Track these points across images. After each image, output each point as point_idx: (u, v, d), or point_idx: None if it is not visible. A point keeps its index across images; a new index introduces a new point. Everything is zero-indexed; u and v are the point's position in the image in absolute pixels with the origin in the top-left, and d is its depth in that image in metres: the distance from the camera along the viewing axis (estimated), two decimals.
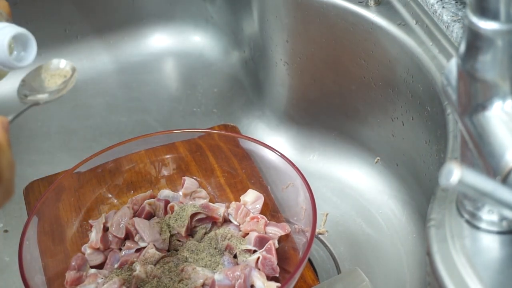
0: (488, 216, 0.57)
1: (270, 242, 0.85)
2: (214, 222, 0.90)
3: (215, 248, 0.87)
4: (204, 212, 0.89)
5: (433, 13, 0.88)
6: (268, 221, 0.88)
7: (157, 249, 0.86)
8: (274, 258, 0.83)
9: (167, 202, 0.92)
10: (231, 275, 0.81)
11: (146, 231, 0.87)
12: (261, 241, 0.85)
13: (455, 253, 0.56)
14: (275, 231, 0.87)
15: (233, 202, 0.92)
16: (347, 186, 1.05)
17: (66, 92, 0.77)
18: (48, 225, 0.86)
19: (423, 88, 0.87)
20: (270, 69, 1.12)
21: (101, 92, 1.22)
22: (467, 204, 0.58)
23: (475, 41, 0.51)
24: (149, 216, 0.91)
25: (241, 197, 0.92)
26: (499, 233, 0.57)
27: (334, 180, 1.06)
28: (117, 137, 1.09)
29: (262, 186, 0.93)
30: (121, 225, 0.88)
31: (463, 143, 0.57)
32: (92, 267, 0.87)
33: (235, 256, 0.86)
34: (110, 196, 0.94)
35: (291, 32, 1.04)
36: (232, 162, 0.95)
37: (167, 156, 0.96)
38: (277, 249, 0.85)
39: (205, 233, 0.89)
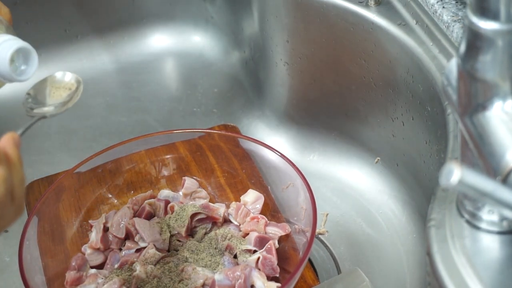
0: (488, 216, 0.57)
1: (270, 242, 0.85)
2: (214, 222, 0.90)
3: (215, 248, 0.87)
4: (204, 212, 0.89)
5: (433, 13, 0.88)
6: (268, 221, 0.88)
7: (157, 249, 0.86)
8: (274, 258, 0.83)
9: (167, 202, 0.92)
10: (231, 275, 0.81)
11: (146, 231, 0.87)
12: (261, 241, 0.85)
13: (455, 253, 0.56)
14: (275, 231, 0.87)
15: (233, 202, 0.92)
16: (347, 186, 1.05)
17: (72, 105, 0.77)
18: (48, 225, 0.86)
19: (423, 88, 0.87)
20: (270, 69, 1.12)
21: (101, 92, 1.22)
22: (467, 204, 0.58)
23: (475, 41, 0.51)
24: (149, 216, 0.91)
25: (241, 197, 0.92)
26: (499, 233, 0.57)
27: (334, 180, 1.06)
28: (117, 137, 1.09)
29: (262, 186, 0.93)
30: (121, 225, 0.88)
31: (463, 143, 0.57)
32: (92, 267, 0.87)
33: (235, 256, 0.86)
34: (110, 196, 0.94)
35: (291, 32, 1.04)
36: (232, 162, 0.95)
37: (167, 156, 0.96)
38: (277, 249, 0.85)
39: (205, 233, 0.89)
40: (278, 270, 0.83)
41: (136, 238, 0.88)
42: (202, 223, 0.90)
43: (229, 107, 1.19)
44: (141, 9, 1.26)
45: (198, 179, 0.95)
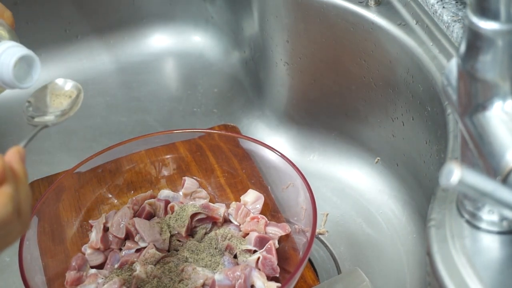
0: (489, 216, 0.57)
1: (270, 242, 0.85)
2: (214, 222, 0.90)
3: (215, 248, 0.87)
4: (204, 212, 0.89)
5: (433, 13, 0.88)
6: (268, 221, 0.88)
7: (157, 249, 0.86)
8: (274, 258, 0.83)
9: (167, 202, 0.92)
10: (231, 275, 0.81)
11: (146, 231, 0.87)
12: (261, 241, 0.85)
13: (455, 253, 0.56)
14: (275, 231, 0.87)
15: (233, 202, 0.92)
16: (347, 186, 1.05)
17: (73, 114, 0.77)
18: (48, 225, 0.86)
19: (423, 88, 0.87)
20: (270, 69, 1.12)
21: (101, 92, 1.22)
22: (467, 204, 0.58)
23: (475, 41, 0.51)
24: (149, 216, 0.91)
25: (241, 197, 0.92)
26: (500, 233, 0.57)
27: (334, 180, 1.06)
28: (117, 137, 1.09)
29: (262, 186, 0.93)
30: (121, 225, 0.88)
31: (463, 143, 0.57)
32: (92, 267, 0.87)
33: (235, 256, 0.86)
34: (110, 196, 0.94)
35: (291, 32, 1.04)
36: (232, 162, 0.95)
37: (167, 156, 0.96)
38: (277, 249, 0.85)
39: (205, 233, 0.89)
40: (278, 270, 0.83)
41: (136, 238, 0.88)
42: (202, 223, 0.90)
43: (229, 107, 1.19)
44: (141, 9, 1.26)
45: (198, 179, 0.95)
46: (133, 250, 0.87)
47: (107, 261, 0.87)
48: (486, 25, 0.51)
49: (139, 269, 0.82)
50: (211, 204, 0.91)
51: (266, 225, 0.88)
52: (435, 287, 0.57)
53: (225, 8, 1.22)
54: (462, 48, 0.53)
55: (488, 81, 0.52)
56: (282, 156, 0.88)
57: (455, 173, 0.48)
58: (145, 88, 1.23)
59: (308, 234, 0.80)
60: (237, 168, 0.95)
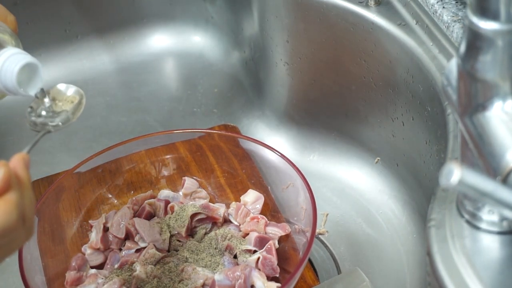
0: (489, 216, 0.57)
1: (270, 242, 0.85)
2: (214, 222, 0.90)
3: (215, 248, 0.87)
4: (204, 212, 0.89)
5: (433, 13, 0.88)
6: (268, 221, 0.88)
7: (157, 249, 0.86)
8: (274, 258, 0.83)
9: (167, 202, 0.92)
10: (231, 275, 0.81)
11: (146, 231, 0.87)
12: (261, 241, 0.85)
13: (455, 253, 0.56)
14: (275, 231, 0.87)
15: (233, 202, 0.92)
16: (347, 186, 1.05)
17: (75, 119, 0.77)
18: (48, 225, 0.86)
19: (423, 88, 0.87)
20: (270, 69, 1.12)
21: (101, 92, 1.22)
22: (467, 204, 0.58)
23: (475, 41, 0.51)
24: (149, 216, 0.91)
25: (241, 197, 0.92)
26: (500, 233, 0.57)
27: (334, 180, 1.06)
28: (117, 137, 1.09)
29: (262, 186, 0.93)
30: (121, 225, 0.88)
31: (463, 143, 0.57)
32: (92, 267, 0.87)
33: (235, 256, 0.86)
34: (110, 196, 0.94)
35: (291, 32, 1.04)
36: (232, 162, 0.95)
37: (167, 156, 0.96)
38: (277, 249, 0.85)
39: (205, 233, 0.89)
40: (278, 270, 0.83)
41: (136, 238, 0.88)
42: (202, 223, 0.90)
43: (229, 107, 1.19)
44: (141, 9, 1.26)
45: (198, 179, 0.95)
46: (133, 250, 0.87)
47: (107, 261, 0.87)
48: (486, 25, 0.51)
49: (139, 269, 0.82)
50: (211, 204, 0.91)
51: (266, 225, 0.88)
52: (435, 287, 0.57)
53: (225, 8, 1.22)
54: (462, 48, 0.53)
55: (488, 81, 0.52)
56: (282, 156, 0.88)
57: (455, 173, 0.48)
58: (145, 88, 1.23)
59: (308, 234, 0.80)
60: (237, 168, 0.95)
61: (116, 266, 0.86)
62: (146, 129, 1.15)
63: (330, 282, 0.86)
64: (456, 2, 0.87)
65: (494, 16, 0.50)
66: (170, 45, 1.28)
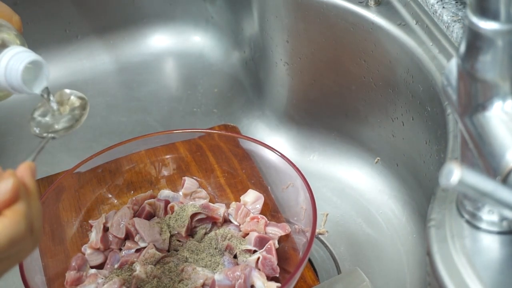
0: (488, 216, 0.57)
1: (270, 242, 0.85)
2: (214, 222, 0.90)
3: (215, 248, 0.87)
4: (204, 212, 0.89)
5: (433, 13, 0.88)
6: (268, 221, 0.88)
7: (157, 249, 0.86)
8: (274, 258, 0.83)
9: (167, 202, 0.92)
10: (231, 275, 0.81)
11: (146, 231, 0.87)
12: (261, 241, 0.85)
13: (455, 253, 0.56)
14: (275, 231, 0.87)
15: (233, 202, 0.92)
16: (347, 186, 1.05)
17: (79, 125, 0.76)
18: (48, 225, 0.86)
19: (423, 88, 0.87)
20: (270, 69, 1.12)
21: (101, 92, 1.22)
22: (467, 204, 0.58)
23: (475, 41, 0.51)
24: (149, 216, 0.91)
25: (241, 197, 0.92)
26: (499, 233, 0.57)
27: (334, 180, 1.06)
28: (117, 137, 1.09)
29: (262, 186, 0.93)
30: (121, 225, 0.88)
31: (463, 143, 0.57)
32: (92, 267, 0.87)
33: (235, 256, 0.86)
34: (110, 196, 0.94)
35: (291, 32, 1.04)
36: (232, 162, 0.95)
37: (167, 156, 0.96)
38: (277, 249, 0.85)
39: (205, 233, 0.89)
40: (278, 270, 0.83)
41: (136, 238, 0.88)
42: (202, 223, 0.90)
43: (229, 107, 1.19)
44: (141, 9, 1.26)
45: (198, 179, 0.95)
46: (133, 250, 0.87)
47: (107, 261, 0.87)
48: (486, 25, 0.51)
49: (139, 269, 0.82)
50: (211, 204, 0.91)
51: (266, 225, 0.88)
52: (435, 287, 0.57)
53: (225, 8, 1.22)
54: (462, 48, 0.53)
55: (488, 81, 0.52)
56: (282, 156, 0.88)
57: (455, 173, 0.48)
58: (145, 88, 1.23)
59: (308, 234, 0.80)
60: (237, 168, 0.95)
61: (116, 266, 0.86)
62: (146, 129, 1.15)
63: (330, 282, 0.86)
64: (456, 2, 0.87)
65: (494, 16, 0.50)
66: (170, 45, 1.28)
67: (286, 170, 0.88)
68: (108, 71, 1.25)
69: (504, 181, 0.50)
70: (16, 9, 0.79)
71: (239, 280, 0.80)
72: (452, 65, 0.56)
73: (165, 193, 0.94)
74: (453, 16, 0.85)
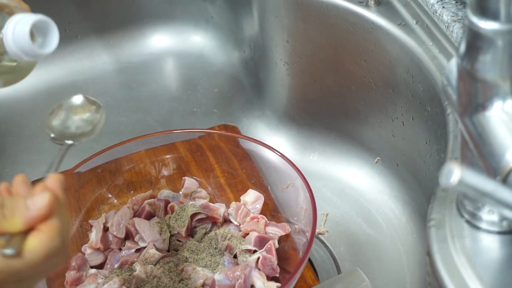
0: (488, 216, 0.57)
1: (270, 242, 0.85)
2: (214, 222, 0.90)
3: (215, 248, 0.87)
4: (204, 212, 0.89)
5: (433, 13, 0.88)
6: (268, 221, 0.88)
7: (157, 249, 0.86)
8: (274, 258, 0.83)
9: (167, 202, 0.92)
10: (231, 275, 0.81)
11: (146, 231, 0.87)
12: (261, 241, 0.85)
13: (455, 253, 0.56)
14: (275, 231, 0.87)
15: (233, 202, 0.92)
16: (347, 186, 1.05)
17: (98, 131, 0.75)
18: None
19: (423, 88, 0.87)
20: (270, 69, 1.12)
21: (101, 92, 1.22)
22: (467, 204, 0.58)
23: (475, 41, 0.51)
24: (149, 216, 0.91)
25: (241, 197, 0.92)
26: (499, 233, 0.57)
27: (334, 180, 1.06)
28: (117, 137, 1.09)
29: (262, 186, 0.93)
30: (121, 225, 0.88)
31: (463, 143, 0.57)
32: (92, 267, 0.87)
33: (235, 256, 0.86)
34: (110, 196, 0.94)
35: (291, 32, 1.04)
36: (232, 162, 0.95)
37: (167, 156, 0.96)
38: (277, 249, 0.85)
39: (205, 233, 0.89)
40: (278, 270, 0.83)
41: (136, 238, 0.88)
42: (202, 223, 0.90)
43: (229, 107, 1.19)
44: (141, 9, 1.26)
45: (198, 179, 0.95)
46: (133, 250, 0.87)
47: (107, 261, 0.87)
48: (486, 25, 0.51)
49: (139, 269, 0.82)
50: (211, 204, 0.91)
51: (266, 225, 0.88)
52: (435, 287, 0.57)
53: (225, 8, 1.22)
54: (462, 48, 0.53)
55: (488, 81, 0.52)
56: (282, 156, 0.88)
57: (455, 173, 0.48)
58: (145, 88, 1.23)
59: (308, 234, 0.80)
60: (237, 168, 0.95)
61: (116, 266, 0.86)
62: (146, 129, 1.15)
63: (330, 282, 0.86)
64: (456, 2, 0.87)
65: (494, 16, 0.50)
66: (170, 45, 1.28)
67: (286, 170, 0.88)
68: (108, 71, 1.25)
69: (504, 181, 0.50)
70: None
71: (239, 280, 0.80)
72: (452, 65, 0.56)
73: (165, 193, 0.94)
74: (453, 16, 0.85)
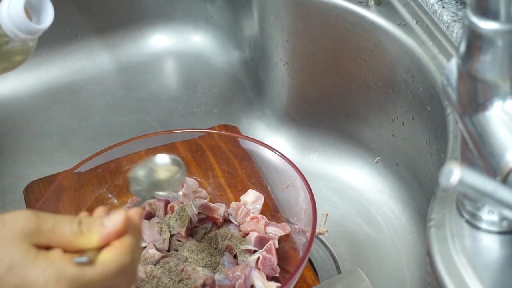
0: (488, 216, 0.57)
1: (270, 242, 0.85)
2: (214, 222, 0.90)
3: (215, 248, 0.87)
4: (204, 212, 0.89)
5: (433, 13, 0.88)
6: (268, 221, 0.88)
7: (157, 249, 0.86)
8: (274, 258, 0.83)
9: (167, 202, 0.92)
10: (231, 275, 0.81)
11: (146, 231, 0.87)
12: (261, 241, 0.85)
13: (455, 253, 0.56)
14: (275, 231, 0.87)
15: (233, 202, 0.92)
16: (347, 186, 1.05)
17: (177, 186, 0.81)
18: None
19: (423, 88, 0.87)
20: (270, 69, 1.12)
21: (101, 92, 1.22)
22: (467, 204, 0.58)
23: (475, 41, 0.51)
24: (149, 216, 0.91)
25: (241, 197, 0.92)
26: (499, 233, 0.57)
27: (334, 180, 1.06)
28: (117, 137, 1.09)
29: (262, 186, 0.93)
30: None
31: (463, 143, 0.57)
32: None
33: (235, 256, 0.86)
34: (110, 196, 0.94)
35: (291, 32, 1.04)
36: (232, 162, 0.95)
37: None
38: (277, 249, 0.85)
39: (205, 233, 0.89)
40: (278, 270, 0.83)
41: None
42: (202, 223, 0.90)
43: (229, 107, 1.19)
44: (141, 9, 1.26)
45: (198, 179, 0.95)
46: None
47: None
48: (486, 25, 0.51)
49: (139, 269, 0.82)
50: (211, 204, 0.91)
51: (266, 225, 0.88)
52: (435, 287, 0.57)
53: (225, 8, 1.22)
54: (462, 48, 0.53)
55: (488, 81, 0.52)
56: (282, 156, 0.88)
57: (455, 173, 0.48)
58: (145, 88, 1.23)
59: (308, 234, 0.80)
60: (237, 168, 0.95)
61: None
62: (146, 129, 1.15)
63: (330, 282, 0.86)
64: (456, 2, 0.87)
65: (494, 16, 0.50)
66: (170, 45, 1.28)
67: (286, 170, 0.88)
68: (108, 71, 1.25)
69: (504, 181, 0.50)
70: None
71: (239, 280, 0.80)
72: (452, 65, 0.56)
73: None
74: (453, 16, 0.85)
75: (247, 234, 0.88)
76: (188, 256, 0.85)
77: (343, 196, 1.04)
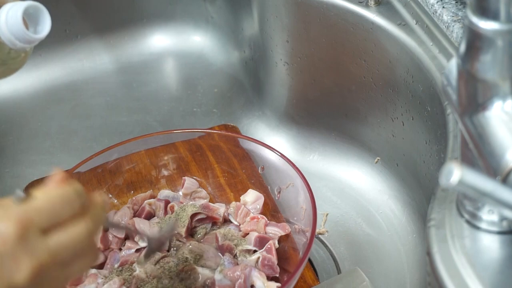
0: (488, 216, 0.57)
1: (270, 242, 0.85)
2: (214, 222, 0.90)
3: (215, 248, 0.87)
4: (204, 212, 0.89)
5: (433, 13, 0.88)
6: (268, 221, 0.88)
7: None
8: (274, 258, 0.83)
9: (167, 202, 0.92)
10: (231, 275, 0.81)
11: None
12: (261, 241, 0.85)
13: (455, 253, 0.56)
14: (275, 231, 0.87)
15: (233, 202, 0.92)
16: (347, 186, 1.05)
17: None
18: None
19: (423, 88, 0.87)
20: (270, 69, 1.12)
21: (101, 92, 1.22)
22: (467, 204, 0.58)
23: (475, 41, 0.51)
24: (149, 216, 0.91)
25: (241, 197, 0.92)
26: (499, 233, 0.57)
27: (334, 180, 1.06)
28: (117, 137, 1.09)
29: (262, 186, 0.93)
30: (121, 225, 0.88)
31: (463, 143, 0.57)
32: (92, 267, 0.87)
33: (235, 256, 0.86)
34: (110, 196, 0.94)
35: (291, 32, 1.04)
36: (232, 162, 0.95)
37: (167, 156, 0.96)
38: (277, 249, 0.85)
39: (205, 233, 0.89)
40: (278, 270, 0.83)
41: (136, 238, 0.88)
42: (202, 223, 0.90)
43: (229, 107, 1.19)
44: (141, 9, 1.26)
45: (198, 179, 0.95)
46: (133, 250, 0.87)
47: (107, 261, 0.87)
48: (486, 25, 0.51)
49: (139, 269, 0.82)
50: (211, 204, 0.91)
51: (266, 225, 0.88)
52: (435, 287, 0.57)
53: (225, 8, 1.22)
54: (462, 48, 0.53)
55: (488, 81, 0.52)
56: (282, 156, 0.88)
57: (455, 173, 0.48)
58: (145, 88, 1.23)
59: (308, 234, 0.80)
60: (237, 168, 0.95)
61: (116, 266, 0.86)
62: (146, 129, 1.15)
63: (330, 282, 0.86)
64: (456, 2, 0.87)
65: (494, 16, 0.50)
66: (170, 45, 1.28)
67: (286, 170, 0.88)
68: (108, 71, 1.25)
69: (504, 181, 0.50)
70: None
71: (239, 280, 0.80)
72: (452, 65, 0.56)
73: (165, 193, 0.94)
74: (453, 16, 0.85)
75: (247, 234, 0.88)
76: (188, 256, 0.85)
77: (343, 196, 1.04)
